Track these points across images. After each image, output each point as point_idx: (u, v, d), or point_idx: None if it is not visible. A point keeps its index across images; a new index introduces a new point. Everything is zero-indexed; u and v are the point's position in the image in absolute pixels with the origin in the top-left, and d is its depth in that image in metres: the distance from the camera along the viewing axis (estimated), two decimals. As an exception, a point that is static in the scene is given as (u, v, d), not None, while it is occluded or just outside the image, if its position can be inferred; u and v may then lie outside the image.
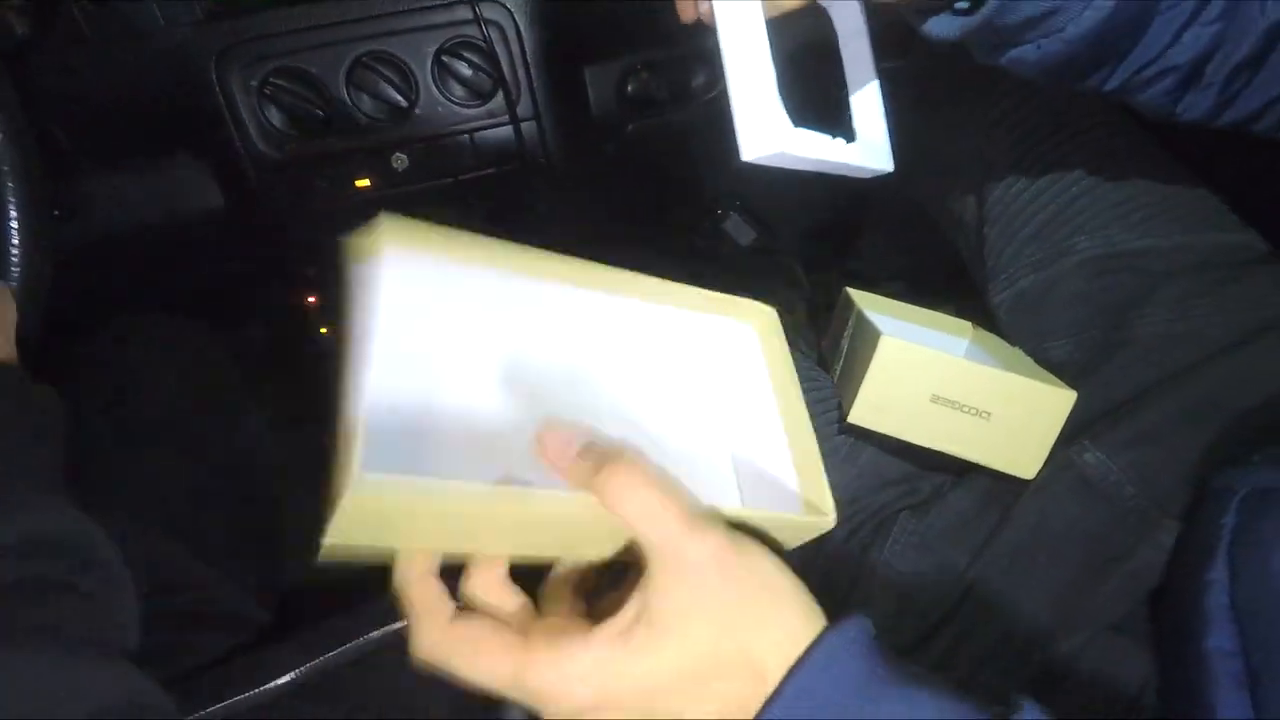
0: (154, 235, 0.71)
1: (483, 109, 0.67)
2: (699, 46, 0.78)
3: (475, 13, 0.62)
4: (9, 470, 0.30)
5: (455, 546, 0.31)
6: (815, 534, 0.35)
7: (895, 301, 0.64)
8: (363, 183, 0.67)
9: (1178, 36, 0.39)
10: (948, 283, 0.73)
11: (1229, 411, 0.48)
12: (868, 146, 0.42)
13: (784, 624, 0.29)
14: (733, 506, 0.32)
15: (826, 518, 0.34)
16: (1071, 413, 0.50)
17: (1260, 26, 0.39)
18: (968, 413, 0.51)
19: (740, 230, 0.95)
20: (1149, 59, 0.39)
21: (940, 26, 0.39)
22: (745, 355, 0.44)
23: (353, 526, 0.28)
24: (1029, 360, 0.56)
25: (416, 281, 0.37)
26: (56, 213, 0.55)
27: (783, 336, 0.44)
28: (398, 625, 0.51)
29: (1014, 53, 0.39)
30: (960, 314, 0.65)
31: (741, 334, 0.45)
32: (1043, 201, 0.59)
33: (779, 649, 0.29)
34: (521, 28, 0.64)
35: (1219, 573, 0.40)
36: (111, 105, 0.64)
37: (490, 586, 0.31)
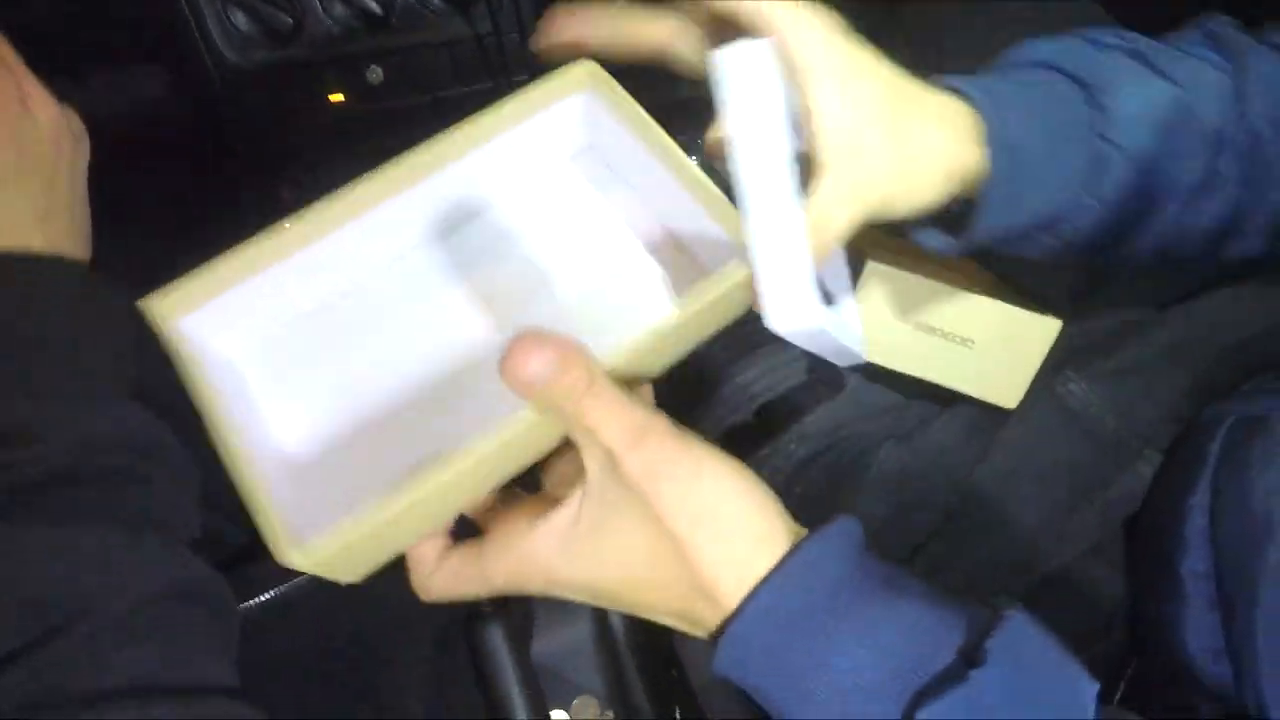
0: (120, 149, 0.68)
1: (461, 20, 0.63)
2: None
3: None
4: (88, 361, 0.30)
5: (427, 525, 0.32)
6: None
7: (899, 240, 0.63)
8: (336, 96, 0.64)
9: (1197, 207, 0.39)
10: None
11: (1214, 346, 0.48)
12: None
13: (728, 549, 0.29)
14: (668, 315, 0.31)
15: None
16: (1056, 343, 0.50)
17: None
18: (952, 340, 0.51)
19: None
20: (1172, 225, 0.40)
21: (931, 240, 0.39)
22: (600, 118, 0.37)
23: (334, 568, 0.29)
24: (1020, 293, 0.56)
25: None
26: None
27: (613, 83, 0.36)
28: None
29: (1037, 246, 0.40)
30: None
31: (573, 109, 0.38)
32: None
33: (727, 574, 0.29)
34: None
35: (1200, 498, 0.41)
36: (68, 10, 0.61)
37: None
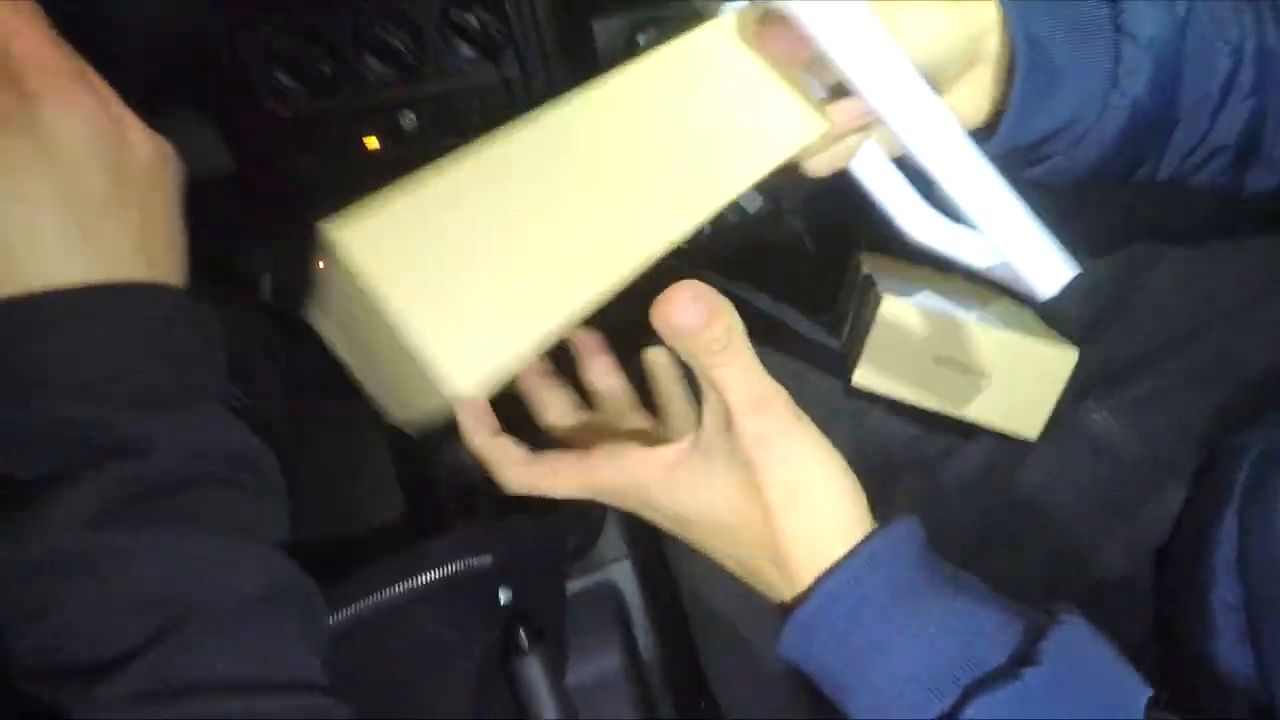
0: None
1: (490, 66, 0.66)
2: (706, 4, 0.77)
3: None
4: (196, 378, 0.32)
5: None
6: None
7: (907, 265, 0.64)
8: (372, 142, 0.67)
9: (1213, 120, 0.38)
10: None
11: (1235, 374, 0.49)
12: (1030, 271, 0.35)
13: (810, 529, 0.31)
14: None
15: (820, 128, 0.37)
16: (1078, 373, 0.51)
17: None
18: (971, 373, 0.51)
19: (748, 197, 0.94)
20: (1192, 145, 0.39)
21: None
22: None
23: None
24: (1039, 322, 0.57)
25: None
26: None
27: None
28: (426, 579, 0.53)
29: (1049, 165, 0.40)
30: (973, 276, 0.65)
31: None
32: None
33: (802, 553, 0.31)
34: (530, -20, 0.63)
35: (1227, 529, 0.41)
36: (110, 56, 0.64)
37: (602, 372, 0.42)
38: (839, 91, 0.37)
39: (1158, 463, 0.49)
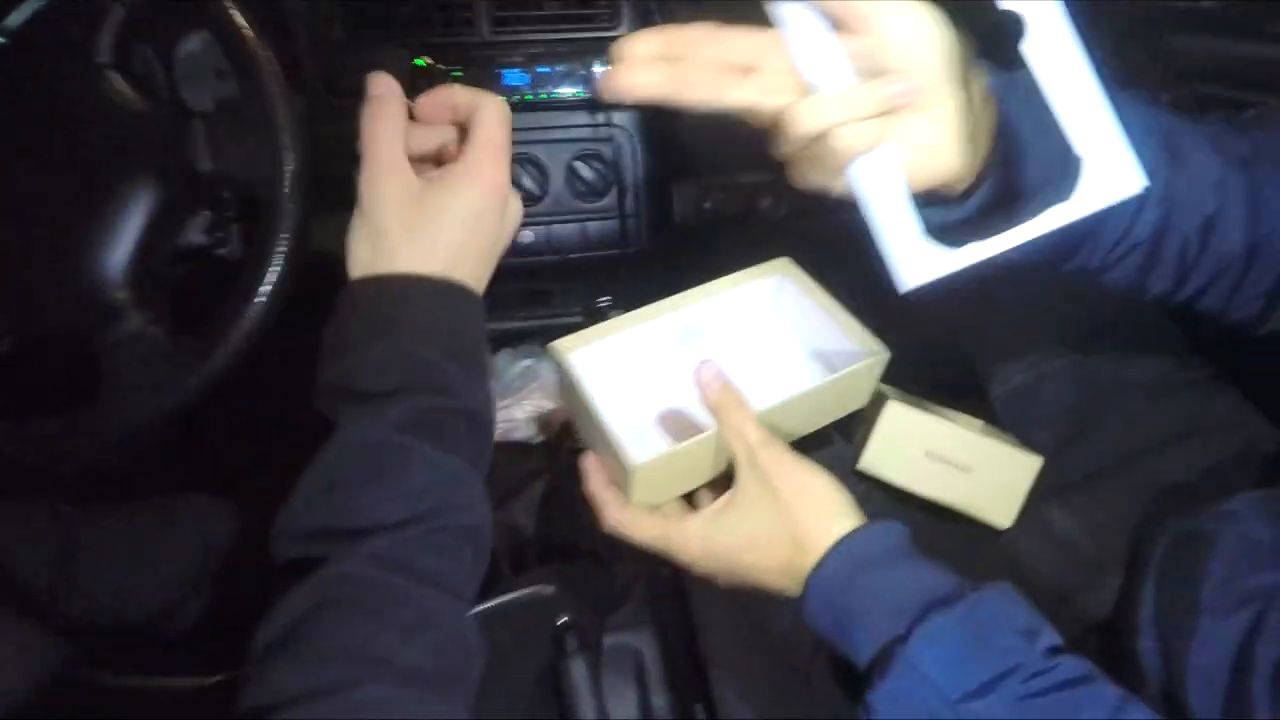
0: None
1: (595, 205, 0.85)
2: (765, 178, 0.97)
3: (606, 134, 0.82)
4: (481, 357, 0.45)
5: (678, 488, 0.53)
6: (881, 366, 0.55)
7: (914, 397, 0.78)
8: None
9: (1137, 215, 0.44)
10: (960, 380, 0.87)
11: (1163, 489, 0.61)
12: (1104, 173, 0.37)
13: (820, 514, 0.45)
14: (815, 381, 0.53)
15: (883, 354, 0.54)
16: (1046, 479, 0.62)
17: (1199, 215, 0.46)
18: (955, 468, 0.64)
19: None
20: (1116, 239, 0.45)
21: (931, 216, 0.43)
22: (790, 292, 0.62)
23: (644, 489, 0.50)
24: (1012, 437, 0.69)
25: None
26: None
27: (799, 270, 0.61)
28: (519, 593, 0.65)
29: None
30: (965, 407, 0.78)
31: (776, 283, 0.63)
32: (1033, 323, 0.75)
33: (817, 530, 0.45)
34: (636, 149, 0.84)
35: (1148, 591, 0.52)
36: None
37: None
38: (871, 73, 0.38)
39: (1104, 555, 0.60)
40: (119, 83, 0.49)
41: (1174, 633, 0.48)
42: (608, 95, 0.40)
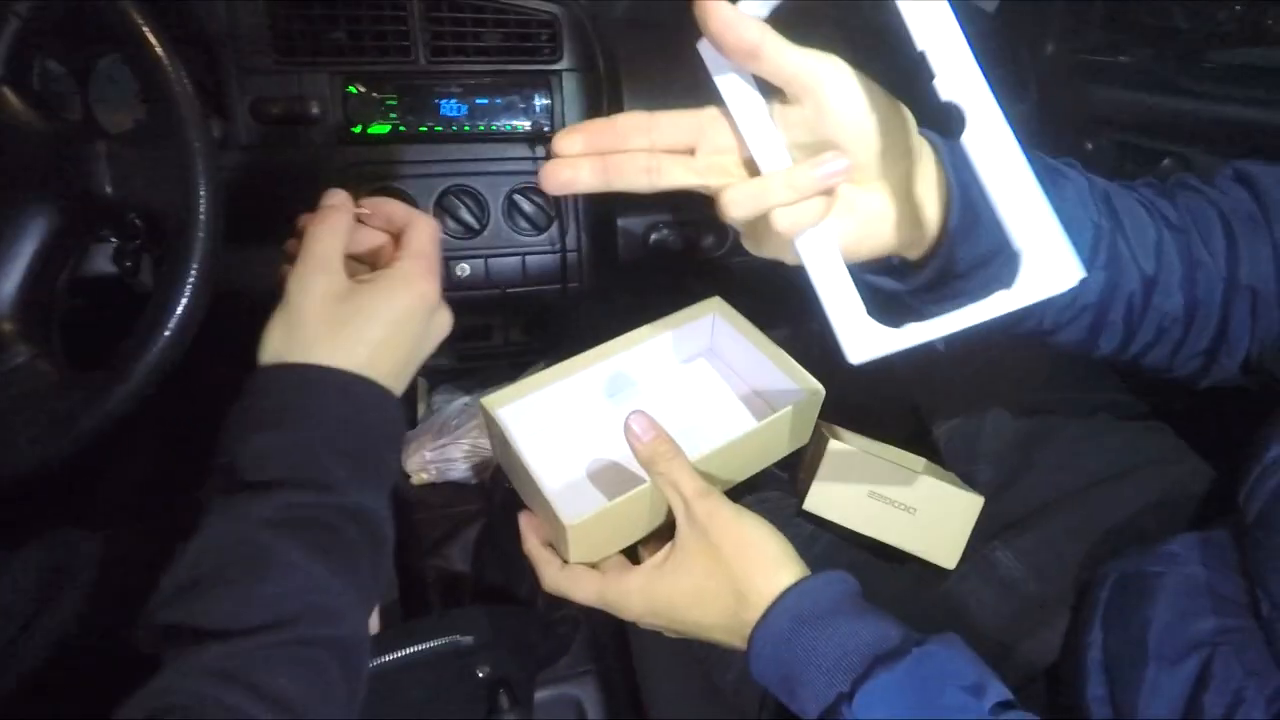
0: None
1: (536, 238, 0.83)
2: (709, 215, 0.97)
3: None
4: (392, 463, 0.44)
5: (617, 544, 0.51)
6: (818, 404, 0.56)
7: (858, 436, 0.77)
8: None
9: (1082, 283, 0.44)
10: (903, 418, 0.87)
11: (1105, 529, 0.61)
12: (1043, 266, 0.35)
13: (762, 567, 0.44)
14: (752, 424, 0.52)
15: (819, 391, 0.55)
16: (990, 519, 0.62)
17: (1142, 275, 0.46)
18: (898, 508, 0.63)
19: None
20: (1069, 299, 0.45)
21: (882, 282, 0.44)
22: (724, 332, 0.63)
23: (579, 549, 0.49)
24: (955, 478, 0.69)
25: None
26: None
27: (731, 309, 0.62)
28: (435, 643, 0.61)
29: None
30: (909, 444, 0.78)
31: (709, 322, 0.64)
32: (975, 361, 0.75)
33: (760, 583, 0.43)
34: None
35: (1095, 635, 0.51)
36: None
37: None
38: (812, 144, 0.38)
39: (1048, 594, 0.59)
40: (11, 98, 0.45)
41: (1122, 681, 0.48)
42: (549, 189, 0.41)
